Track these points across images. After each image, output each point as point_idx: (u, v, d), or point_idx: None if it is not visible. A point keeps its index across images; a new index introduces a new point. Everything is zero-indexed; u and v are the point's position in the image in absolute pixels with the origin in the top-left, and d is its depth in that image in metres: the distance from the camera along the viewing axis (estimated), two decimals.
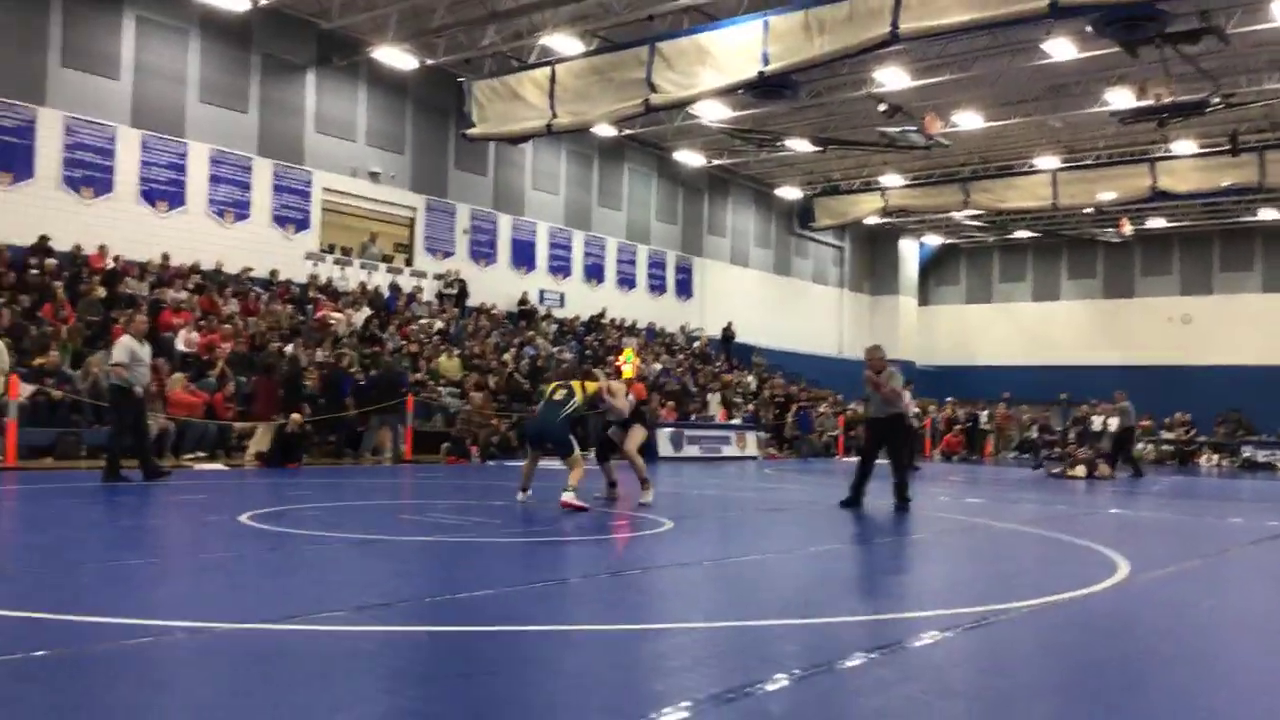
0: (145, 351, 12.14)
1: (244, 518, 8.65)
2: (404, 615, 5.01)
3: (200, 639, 4.38)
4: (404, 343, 21.79)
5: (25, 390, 14.15)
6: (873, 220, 36.52)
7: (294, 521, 8.79)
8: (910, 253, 43.24)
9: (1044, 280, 42.35)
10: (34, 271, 17.96)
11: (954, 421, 32.62)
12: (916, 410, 21.80)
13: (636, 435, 11.30)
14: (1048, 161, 29.78)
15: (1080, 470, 20.64)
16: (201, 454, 15.95)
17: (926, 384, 37.68)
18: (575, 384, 10.79)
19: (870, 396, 11.94)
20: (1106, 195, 28.90)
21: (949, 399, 34.71)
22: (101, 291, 18.30)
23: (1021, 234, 40.36)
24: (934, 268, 44.91)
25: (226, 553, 7.00)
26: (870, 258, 42.99)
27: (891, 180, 32.94)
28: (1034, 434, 32.86)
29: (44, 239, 18.72)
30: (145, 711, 3.33)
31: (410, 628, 4.77)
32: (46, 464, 14.00)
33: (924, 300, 44.52)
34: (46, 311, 16.98)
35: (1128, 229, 34.87)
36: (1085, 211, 33.72)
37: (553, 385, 11.21)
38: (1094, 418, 23.39)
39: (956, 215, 35.35)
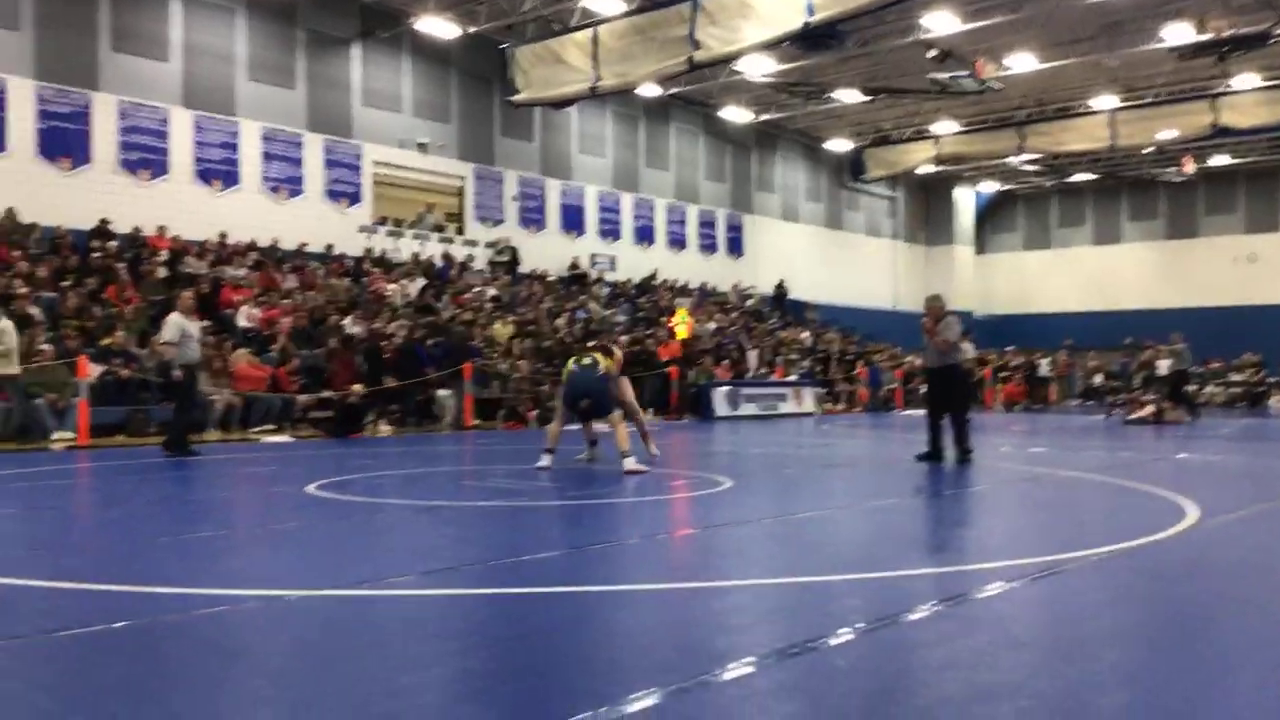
0: (195, 328, 12.37)
1: (311, 488, 8.83)
2: (468, 579, 5.09)
3: (273, 607, 4.49)
4: (458, 311, 21.96)
5: (94, 370, 14.50)
6: (926, 169, 35.95)
7: (360, 490, 8.95)
8: (965, 201, 42.54)
9: (1104, 223, 41.45)
10: (96, 254, 18.36)
11: (1012, 369, 32.15)
12: (973, 356, 21.57)
13: (628, 388, 11.45)
14: (1105, 101, 29.01)
15: (1147, 413, 20.43)
16: (268, 426, 16.29)
17: (986, 333, 37.21)
18: (598, 355, 11.02)
19: (925, 346, 11.83)
20: (1167, 134, 28.12)
21: (1009, 348, 34.24)
22: (163, 271, 18.67)
23: (1080, 177, 39.49)
24: (990, 215, 44.15)
25: (295, 522, 7.15)
26: (924, 208, 42.37)
27: (944, 127, 32.34)
28: (1098, 380, 32.39)
29: (105, 222, 19.12)
30: (221, 679, 3.43)
31: (475, 591, 4.84)
32: (117, 441, 14.36)
33: (981, 249, 43.83)
34: (110, 293, 17.36)
35: (1190, 167, 33.95)
36: (1145, 151, 32.87)
37: (578, 354, 11.44)
38: (1159, 361, 23.01)
39: (1012, 160, 34.65)
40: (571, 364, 10.93)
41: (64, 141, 19.40)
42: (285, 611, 4.43)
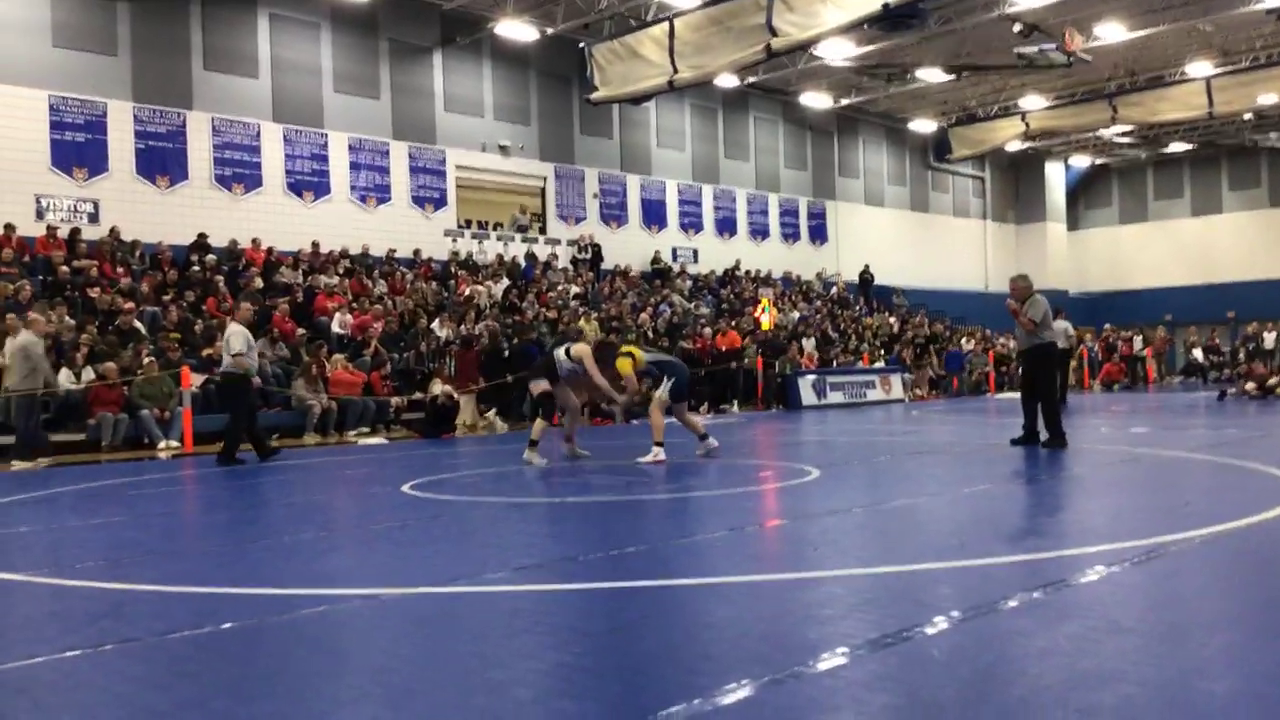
0: (251, 339, 12.53)
1: (406, 488, 9.02)
2: (560, 575, 5.14)
3: (372, 605, 4.59)
4: (543, 310, 22.16)
5: (197, 380, 15.02)
6: (1014, 146, 35.11)
7: (453, 489, 9.11)
8: (1056, 176, 41.44)
9: (1203, 194, 39.98)
10: (196, 268, 18.99)
11: (1105, 349, 31.22)
12: (1072, 335, 20.85)
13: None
14: (1200, 68, 27.98)
15: (1251, 387, 19.79)
16: (363, 429, 16.68)
17: (1081, 312, 36.22)
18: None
19: (1017, 328, 11.62)
20: (1267, 98, 27.00)
21: (1106, 326, 33.28)
22: (259, 283, 19.22)
23: (1176, 147, 38.16)
24: (1083, 190, 42.94)
25: (392, 522, 7.30)
26: (1014, 185, 41.40)
27: (1032, 102, 31.56)
28: (1198, 356, 31.33)
29: (202, 236, 19.78)
30: (325, 676, 3.53)
31: (567, 586, 4.89)
32: (220, 448, 14.77)
33: (1074, 225, 42.66)
34: (210, 305, 17.94)
35: None
36: (1245, 118, 31.63)
37: (638, 348, 11.45)
38: (1265, 334, 22.17)
39: (1104, 133, 33.67)
40: (643, 354, 10.89)
41: (161, 160, 20.12)
42: (384, 610, 4.53)
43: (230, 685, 3.44)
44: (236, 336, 12.13)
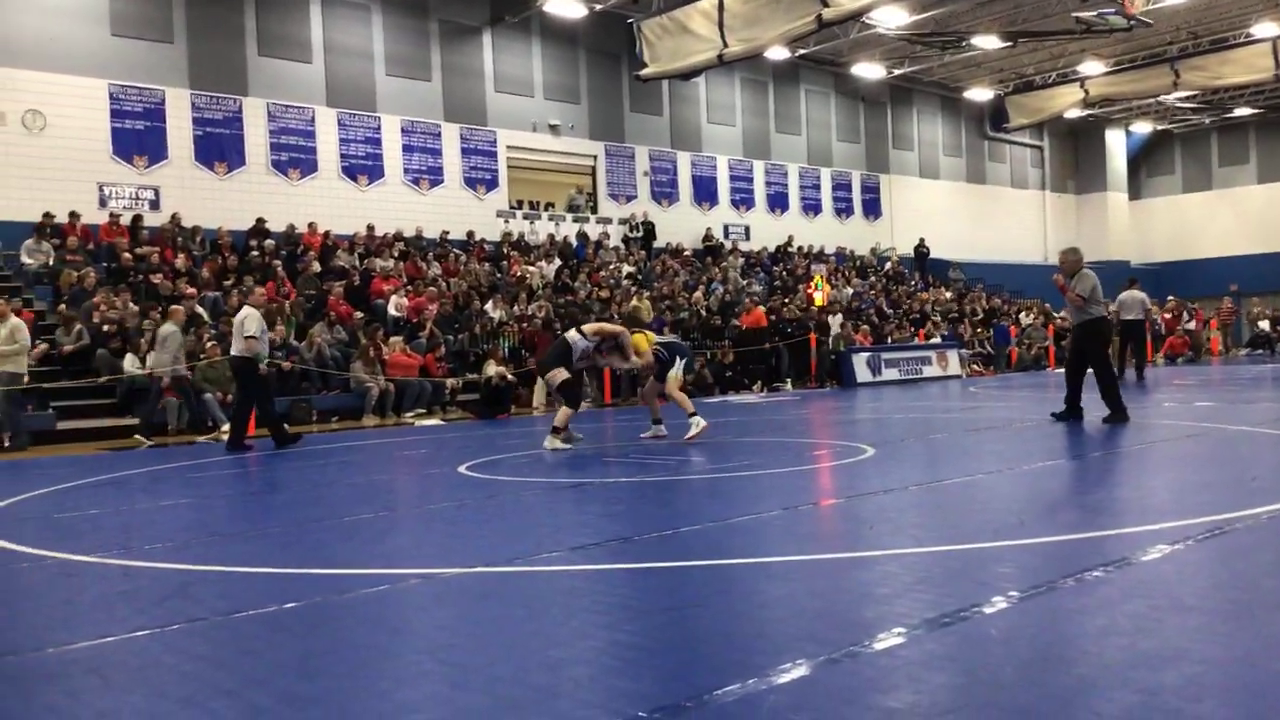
0: (264, 324, 12.47)
1: (463, 468, 9.12)
2: (615, 554, 5.17)
3: (432, 584, 4.67)
4: (595, 289, 22.19)
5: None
6: (1073, 114, 34.37)
7: (508, 469, 9.19)
8: (1117, 144, 40.52)
9: (1270, 159, 38.88)
10: (255, 253, 19.29)
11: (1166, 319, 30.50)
12: (1149, 307, 20.48)
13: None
14: (1266, 29, 27.14)
15: None
16: (420, 410, 16.87)
17: (1145, 283, 35.39)
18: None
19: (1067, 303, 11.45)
20: None
21: (1171, 297, 32.56)
22: (316, 266, 19.48)
23: (1242, 111, 37.11)
24: (1145, 158, 41.96)
25: (449, 502, 7.39)
26: (1073, 154, 40.57)
27: (1091, 68, 30.84)
28: (1265, 328, 30.56)
29: (260, 221, 20.08)
30: (385, 654, 3.59)
31: (621, 566, 4.92)
32: (271, 434, 15.02)
33: (1135, 194, 41.72)
34: (269, 289, 18.21)
35: None
36: None
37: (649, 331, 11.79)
38: None
39: (1167, 99, 32.82)
40: (653, 336, 11.19)
41: (219, 146, 20.44)
42: (443, 589, 4.60)
43: (294, 663, 3.52)
44: (251, 319, 12.02)
